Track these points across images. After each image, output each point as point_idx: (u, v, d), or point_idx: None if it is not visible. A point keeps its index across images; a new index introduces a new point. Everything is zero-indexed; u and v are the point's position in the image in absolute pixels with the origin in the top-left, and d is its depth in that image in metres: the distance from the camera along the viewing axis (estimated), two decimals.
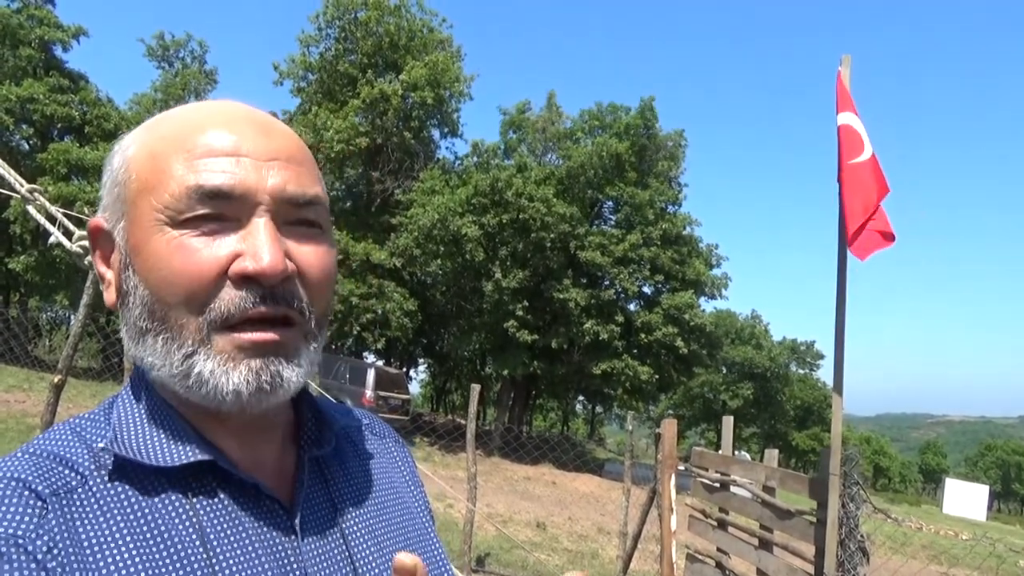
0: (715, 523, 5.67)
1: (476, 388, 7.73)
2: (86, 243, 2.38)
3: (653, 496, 6.18)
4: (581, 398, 42.70)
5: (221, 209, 0.61)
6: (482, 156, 28.44)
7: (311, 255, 0.66)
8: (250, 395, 0.62)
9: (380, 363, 29.45)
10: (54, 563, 0.55)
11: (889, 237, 3.98)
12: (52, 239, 3.19)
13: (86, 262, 2.28)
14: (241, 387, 0.62)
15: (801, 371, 59.34)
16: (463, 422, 31.84)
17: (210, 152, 0.62)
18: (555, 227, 25.17)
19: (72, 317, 34.45)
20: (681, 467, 6.11)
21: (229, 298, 0.61)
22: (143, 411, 0.67)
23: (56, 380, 5.40)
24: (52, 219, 2.52)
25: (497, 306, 25.76)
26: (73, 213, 3.02)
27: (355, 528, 0.74)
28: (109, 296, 0.69)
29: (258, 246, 0.61)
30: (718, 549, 5.63)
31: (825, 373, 60.39)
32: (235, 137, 0.63)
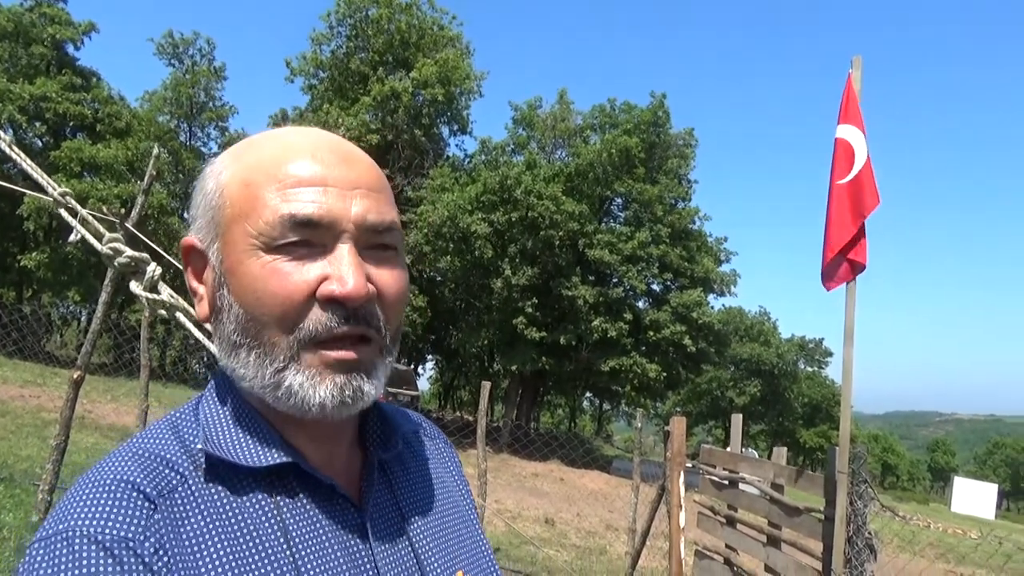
0: (724, 520, 5.72)
1: (487, 385, 7.78)
2: (116, 245, 2.46)
3: (662, 493, 6.23)
4: (589, 395, 42.76)
5: (309, 236, 0.66)
6: (490, 154, 28.48)
7: (388, 278, 0.71)
8: (334, 407, 0.68)
9: None
10: (160, 564, 0.60)
11: (859, 268, 4.05)
12: (73, 237, 3.28)
13: (116, 263, 2.36)
14: (326, 400, 0.67)
15: (809, 368, 59.22)
16: (471, 419, 31.94)
17: (299, 182, 0.67)
18: (564, 225, 25.20)
19: (83, 313, 34.72)
20: (689, 464, 6.16)
21: (317, 318, 0.66)
22: (229, 413, 0.73)
23: (76, 376, 5.49)
24: (81, 220, 2.60)
25: (506, 303, 25.82)
26: (104, 216, 3.10)
27: (419, 528, 0.80)
28: (202, 310, 0.74)
29: (343, 271, 0.66)
30: (726, 546, 5.68)
31: (834, 370, 60.25)
32: (321, 167, 0.68)
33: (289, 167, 0.68)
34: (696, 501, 6.07)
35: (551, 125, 29.61)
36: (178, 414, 0.75)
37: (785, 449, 5.45)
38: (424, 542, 0.79)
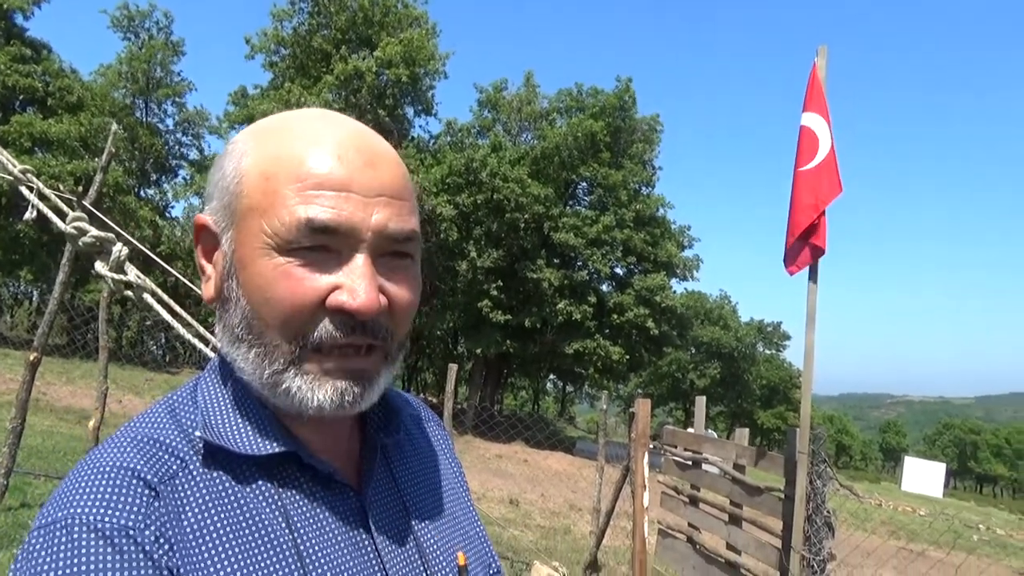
0: (686, 500, 5.83)
1: (454, 368, 7.79)
2: (81, 224, 2.40)
3: (626, 474, 6.33)
4: (552, 377, 43.01)
5: (326, 242, 0.64)
6: (456, 135, 28.27)
7: (402, 289, 0.69)
8: (331, 410, 0.67)
9: None
10: (160, 552, 0.59)
11: (818, 252, 4.14)
12: (29, 214, 3.18)
13: (80, 243, 2.29)
14: (324, 403, 0.66)
15: (768, 351, 60.39)
16: (435, 400, 31.86)
17: (320, 185, 0.64)
18: (529, 208, 25.20)
19: (35, 292, 33.76)
20: (652, 445, 6.26)
21: (324, 327, 0.65)
22: (229, 399, 0.72)
23: (32, 358, 5.36)
24: (42, 198, 2.52)
25: (471, 285, 25.79)
26: (62, 193, 3.01)
27: (418, 511, 0.80)
28: (207, 291, 0.72)
29: (356, 283, 0.64)
30: (689, 524, 5.80)
31: (791, 353, 61.58)
32: (344, 170, 0.65)
33: (312, 166, 0.65)
34: (660, 481, 6.18)
35: (517, 108, 29.48)
36: (175, 397, 0.74)
37: (747, 430, 5.56)
38: (424, 525, 0.79)
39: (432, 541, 0.79)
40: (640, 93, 28.78)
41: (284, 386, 0.66)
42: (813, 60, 4.38)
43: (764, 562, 4.70)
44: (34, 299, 35.34)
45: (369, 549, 0.72)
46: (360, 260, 0.65)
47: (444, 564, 0.78)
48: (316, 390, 0.66)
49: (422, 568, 0.75)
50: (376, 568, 0.71)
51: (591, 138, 27.01)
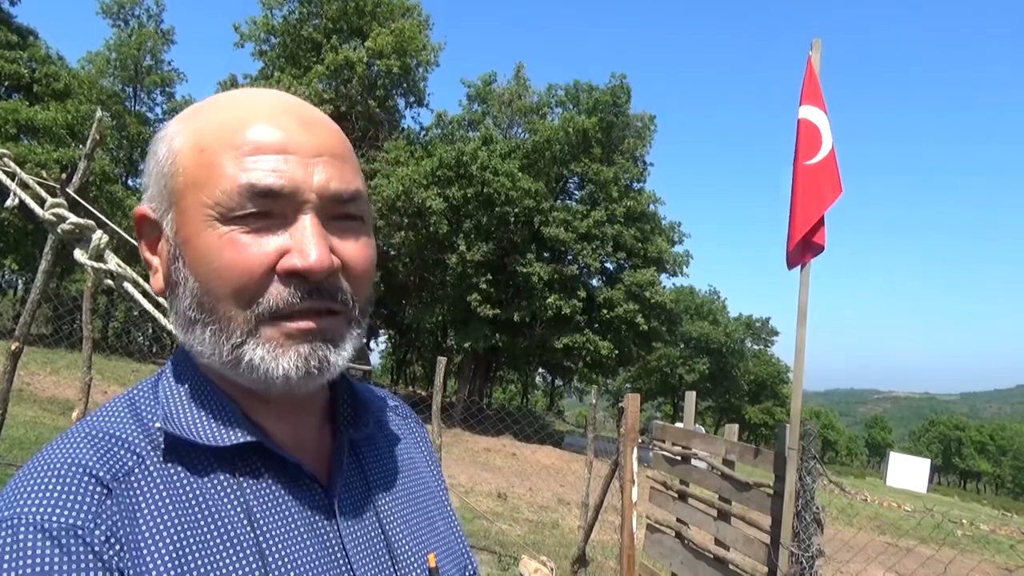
0: (675, 495, 5.82)
1: (443, 361, 7.74)
2: (59, 211, 2.33)
3: (615, 468, 6.32)
4: (541, 371, 43.07)
5: (270, 207, 0.63)
6: (446, 128, 28.16)
7: (354, 249, 0.68)
8: (299, 379, 0.64)
9: None
10: (111, 553, 0.56)
11: (818, 249, 4.09)
12: (10, 201, 3.11)
13: (59, 230, 2.23)
14: (291, 371, 0.64)
15: (756, 347, 60.71)
16: (424, 393, 31.84)
17: (258, 149, 0.63)
18: (519, 201, 25.15)
19: (20, 281, 33.43)
20: (641, 440, 6.24)
21: (277, 293, 0.63)
22: (189, 390, 0.69)
23: (13, 348, 5.27)
24: (22, 185, 2.45)
25: (460, 279, 25.74)
26: (46, 180, 2.92)
27: (388, 508, 0.77)
28: (156, 282, 0.70)
29: (305, 243, 0.63)
30: (678, 520, 5.78)
31: (779, 349, 62.02)
32: (281, 133, 0.64)
33: (247, 132, 0.64)
34: (648, 476, 6.17)
35: (507, 101, 29.39)
36: (136, 391, 0.71)
37: (737, 426, 5.55)
38: (394, 523, 0.77)
39: (403, 541, 0.76)
40: (633, 87, 28.76)
41: (247, 359, 0.64)
42: (808, 54, 4.35)
43: (753, 558, 4.69)
44: (19, 288, 34.98)
45: (336, 547, 0.69)
46: (307, 221, 0.64)
47: (414, 564, 0.76)
48: (280, 358, 0.64)
49: (391, 568, 0.73)
50: (342, 567, 0.68)
51: (583, 134, 26.97)
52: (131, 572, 0.57)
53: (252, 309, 0.63)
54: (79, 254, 2.16)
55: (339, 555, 0.68)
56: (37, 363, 15.32)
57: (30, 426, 9.58)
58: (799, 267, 4.15)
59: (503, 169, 24.84)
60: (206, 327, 0.65)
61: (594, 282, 29.30)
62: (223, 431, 0.66)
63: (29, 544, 0.54)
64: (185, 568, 0.59)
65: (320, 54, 26.13)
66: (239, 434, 0.66)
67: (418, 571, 0.76)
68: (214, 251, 0.62)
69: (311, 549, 0.66)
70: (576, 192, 30.68)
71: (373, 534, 0.73)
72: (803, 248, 4.12)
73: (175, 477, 0.63)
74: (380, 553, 0.73)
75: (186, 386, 0.69)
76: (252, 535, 0.63)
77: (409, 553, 0.76)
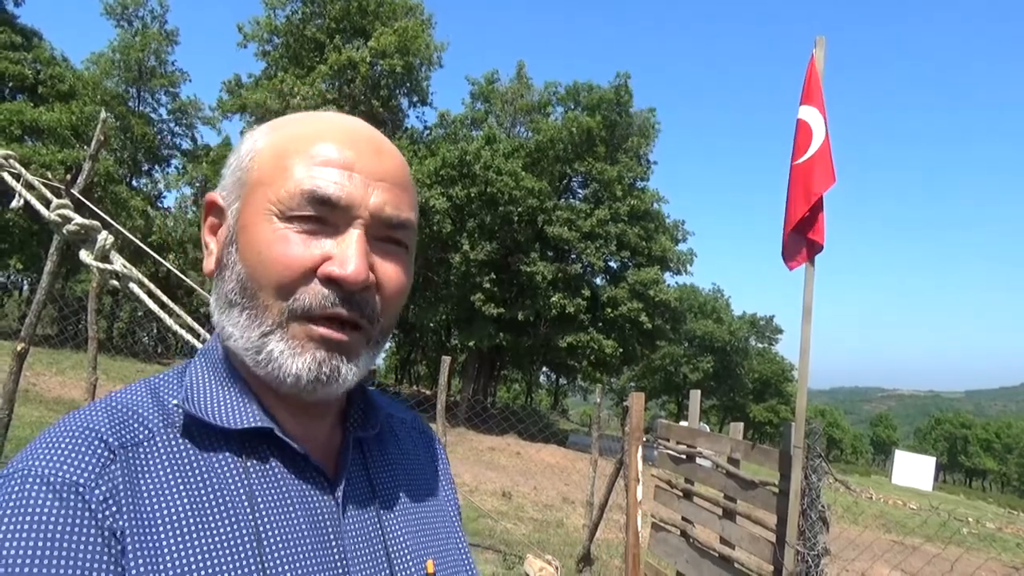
0: (680, 493, 5.81)
1: (447, 360, 7.77)
2: (65, 212, 2.34)
3: (620, 467, 6.32)
4: (545, 370, 43.06)
5: (325, 214, 0.68)
6: (449, 127, 28.16)
7: (391, 272, 0.73)
8: (308, 382, 0.68)
9: None
10: (106, 512, 0.60)
11: (817, 247, 4.11)
12: (16, 202, 3.11)
13: (65, 231, 2.24)
14: (302, 372, 0.68)
15: (760, 345, 60.59)
16: (428, 393, 31.87)
17: (327, 162, 0.69)
18: (523, 201, 25.14)
19: (26, 282, 33.52)
20: (646, 439, 6.24)
21: (313, 293, 0.67)
22: (214, 376, 0.74)
23: (19, 348, 5.29)
24: (27, 186, 2.45)
25: (464, 278, 25.74)
26: (51, 182, 2.93)
27: (389, 510, 0.80)
28: (208, 264, 0.76)
29: (348, 254, 0.67)
30: (683, 518, 5.78)
31: (783, 347, 61.90)
32: (352, 153, 0.70)
33: (321, 146, 0.70)
34: (653, 475, 6.16)
35: (510, 100, 29.37)
36: (161, 377, 0.76)
37: (742, 424, 5.55)
38: (393, 524, 0.79)
39: (400, 542, 0.78)
40: (635, 85, 28.73)
41: (268, 349, 0.68)
42: (811, 51, 4.34)
43: (758, 556, 4.68)
44: (24, 289, 35.08)
45: (332, 538, 0.71)
46: (354, 235, 0.68)
47: (411, 566, 0.78)
48: (297, 357, 0.68)
49: (386, 566, 0.75)
50: (337, 559, 0.70)
51: (587, 133, 26.94)
52: (130, 533, 0.60)
53: (287, 303, 0.68)
54: (84, 255, 2.17)
55: (335, 546, 0.71)
56: (43, 364, 15.37)
57: (36, 426, 9.61)
58: (800, 266, 4.16)
59: (506, 168, 24.83)
60: (244, 311, 0.70)
61: (598, 281, 29.27)
62: (237, 415, 0.70)
63: (32, 494, 0.58)
64: (182, 539, 0.62)
65: (323, 54, 26.14)
66: (252, 419, 0.70)
67: (415, 574, 0.78)
68: (266, 243, 0.68)
69: (308, 540, 0.69)
70: (580, 191, 30.65)
71: (371, 530, 0.76)
72: (799, 244, 4.14)
73: (183, 452, 0.67)
74: (376, 550, 0.75)
75: (212, 372, 0.74)
76: (251, 516, 0.66)
77: (406, 554, 0.78)
